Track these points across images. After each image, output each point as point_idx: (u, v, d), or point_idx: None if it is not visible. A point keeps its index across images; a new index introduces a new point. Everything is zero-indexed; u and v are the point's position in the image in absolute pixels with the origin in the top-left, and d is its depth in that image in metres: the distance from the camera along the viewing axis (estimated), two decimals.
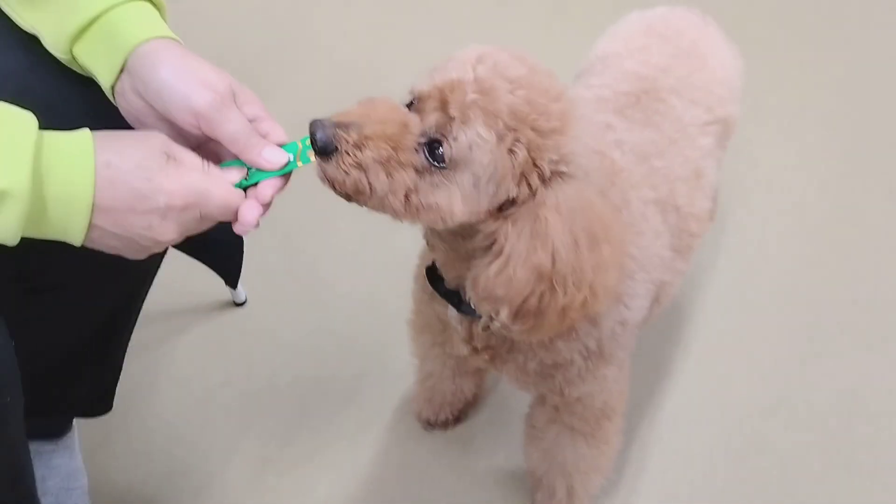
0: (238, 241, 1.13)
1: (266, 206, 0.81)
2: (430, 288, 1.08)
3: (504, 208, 0.83)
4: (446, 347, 1.25)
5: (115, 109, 0.83)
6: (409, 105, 0.84)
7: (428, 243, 0.99)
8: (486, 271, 0.84)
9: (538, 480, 1.35)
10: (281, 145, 0.81)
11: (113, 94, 0.82)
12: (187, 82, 0.77)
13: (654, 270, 1.05)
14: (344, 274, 1.74)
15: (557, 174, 0.81)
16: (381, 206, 0.82)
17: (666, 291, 1.13)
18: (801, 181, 2.03)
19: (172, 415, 1.49)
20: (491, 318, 0.88)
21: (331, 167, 0.79)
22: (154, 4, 0.83)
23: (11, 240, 0.69)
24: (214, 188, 0.77)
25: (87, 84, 0.84)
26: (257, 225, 0.81)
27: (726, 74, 1.26)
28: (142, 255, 0.78)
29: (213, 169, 0.79)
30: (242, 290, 1.63)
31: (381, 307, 1.68)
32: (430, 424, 1.48)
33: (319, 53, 2.32)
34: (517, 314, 0.85)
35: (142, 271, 1.07)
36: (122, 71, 0.79)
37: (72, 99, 0.84)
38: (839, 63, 2.37)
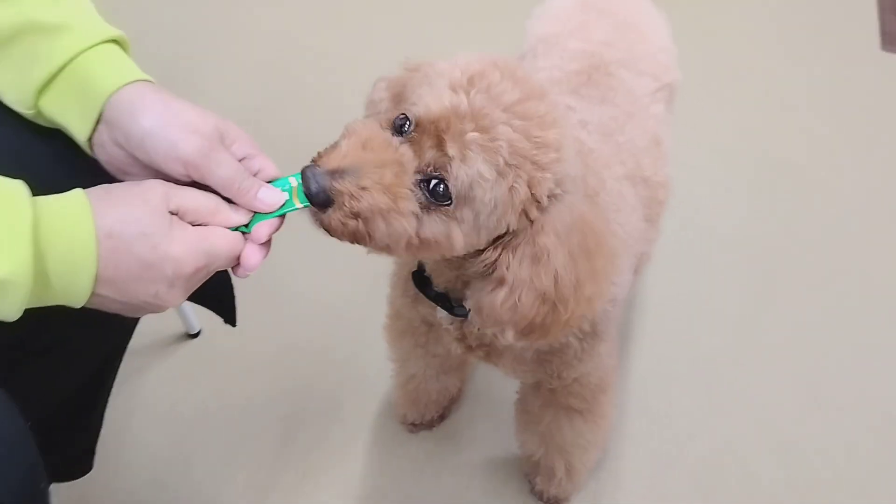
0: (226, 276, 1.08)
1: (266, 247, 0.78)
2: (413, 291, 1.07)
3: (500, 237, 0.82)
4: (430, 348, 1.25)
5: (89, 159, 0.78)
6: (400, 126, 0.80)
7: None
8: (490, 298, 0.83)
9: (535, 464, 1.36)
10: (272, 181, 0.78)
11: (90, 147, 0.77)
12: (171, 129, 0.73)
13: (636, 244, 1.07)
14: (301, 287, 1.70)
15: (553, 197, 0.81)
16: (380, 250, 0.80)
17: (643, 261, 1.15)
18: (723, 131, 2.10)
19: (151, 459, 1.43)
20: (495, 336, 0.89)
21: (328, 217, 0.76)
22: (118, 43, 0.78)
23: (13, 318, 0.65)
24: (221, 242, 0.73)
25: (52, 135, 0.79)
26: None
27: (663, 42, 1.28)
28: (142, 314, 0.75)
29: (221, 205, 0.75)
30: (195, 319, 1.58)
31: (346, 315, 1.65)
32: (415, 426, 1.47)
33: (244, 50, 2.26)
34: (522, 333, 0.85)
35: (126, 326, 1.02)
36: (97, 122, 0.75)
37: (41, 152, 0.79)
38: (750, 17, 2.46)
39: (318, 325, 1.64)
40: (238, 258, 0.76)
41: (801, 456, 1.51)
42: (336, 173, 0.74)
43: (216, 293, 1.09)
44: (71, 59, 0.74)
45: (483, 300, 0.84)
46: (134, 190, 0.70)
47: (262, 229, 0.77)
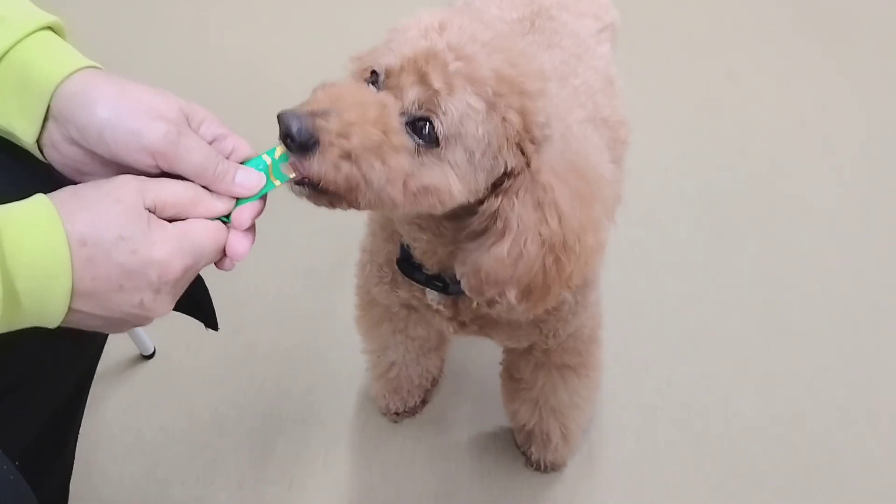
0: (198, 277, 1.00)
1: (251, 232, 0.71)
2: (390, 276, 1.03)
3: (499, 183, 0.77)
4: (410, 332, 1.20)
5: (40, 165, 0.70)
6: (372, 84, 0.75)
7: (407, 235, 0.92)
8: (492, 253, 0.78)
9: (528, 433, 1.32)
10: (245, 162, 0.71)
11: (40, 149, 0.68)
12: (132, 117, 0.64)
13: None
14: (255, 288, 1.62)
15: (544, 137, 0.76)
16: (377, 199, 0.72)
17: (616, 204, 1.11)
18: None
19: (126, 493, 1.33)
20: (492, 302, 0.83)
21: (315, 163, 0.68)
22: (53, 29, 0.69)
23: None
24: (205, 236, 0.66)
25: None
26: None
27: None
28: (125, 329, 0.68)
29: (199, 192, 0.67)
30: (148, 339, 1.49)
31: (305, 314, 1.59)
32: (398, 415, 1.42)
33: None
34: (524, 293, 0.80)
35: (97, 344, 0.94)
36: (46, 119, 0.66)
37: None
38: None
39: (277, 327, 1.57)
40: (223, 250, 0.69)
41: (778, 385, 1.51)
42: (318, 113, 0.68)
43: (193, 296, 1.01)
44: (4, 53, 0.65)
45: (482, 259, 0.79)
46: (104, 188, 0.62)
47: (243, 214, 0.69)
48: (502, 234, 0.77)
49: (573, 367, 1.15)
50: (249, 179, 0.69)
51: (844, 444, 1.42)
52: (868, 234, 1.76)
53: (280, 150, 0.71)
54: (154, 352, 1.50)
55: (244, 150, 0.71)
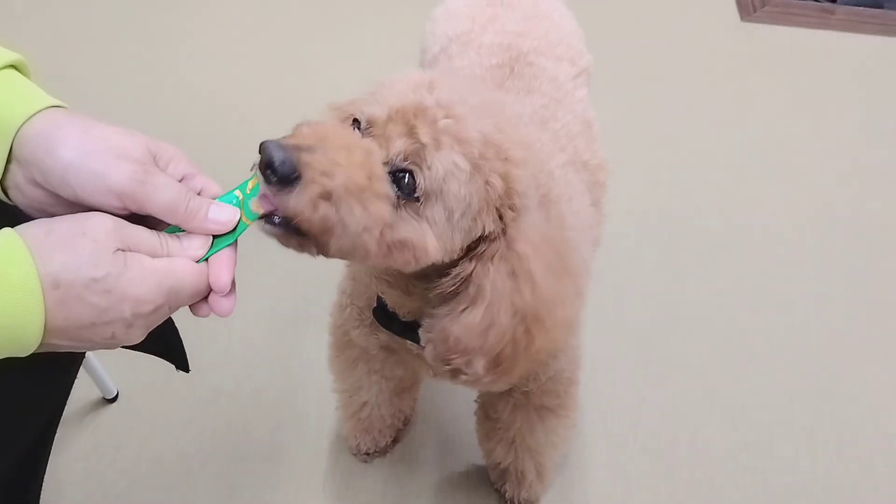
0: (167, 322, 0.97)
1: (231, 286, 0.68)
2: (370, 320, 1.02)
3: (474, 247, 0.76)
4: (386, 372, 1.20)
5: (4, 204, 0.67)
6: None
7: (376, 288, 0.91)
8: (462, 320, 0.76)
9: (503, 471, 1.32)
10: (216, 199, 0.68)
11: (4, 191, 0.66)
12: (96, 158, 0.62)
13: (590, 230, 1.05)
14: (217, 330, 1.59)
15: (523, 207, 0.76)
16: (350, 246, 0.70)
17: (595, 246, 1.13)
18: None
19: None
20: (457, 373, 0.80)
21: (293, 199, 0.65)
22: (16, 67, 0.67)
23: None
24: (186, 277, 0.64)
25: None
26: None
27: (571, 26, 1.27)
28: (98, 349, 0.66)
29: (172, 243, 0.65)
30: (110, 382, 1.45)
31: (272, 354, 1.56)
32: (369, 455, 1.40)
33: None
34: (493, 363, 0.78)
35: (67, 381, 0.91)
36: (9, 161, 0.64)
37: None
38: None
39: (243, 368, 1.54)
40: (204, 294, 0.67)
41: (745, 413, 1.54)
42: (302, 148, 0.66)
43: (164, 339, 0.99)
44: None
45: (452, 326, 0.76)
46: (80, 227, 0.60)
47: (222, 277, 0.67)
48: (474, 301, 0.75)
49: (551, 408, 1.16)
50: (223, 215, 0.66)
51: (812, 470, 1.45)
52: (826, 260, 1.82)
53: (252, 184, 0.68)
54: (117, 395, 1.46)
55: (213, 189, 0.69)
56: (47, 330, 0.58)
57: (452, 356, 0.78)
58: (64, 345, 0.61)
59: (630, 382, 1.57)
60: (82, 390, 1.44)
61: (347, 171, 0.66)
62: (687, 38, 2.38)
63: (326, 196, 0.66)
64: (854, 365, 1.62)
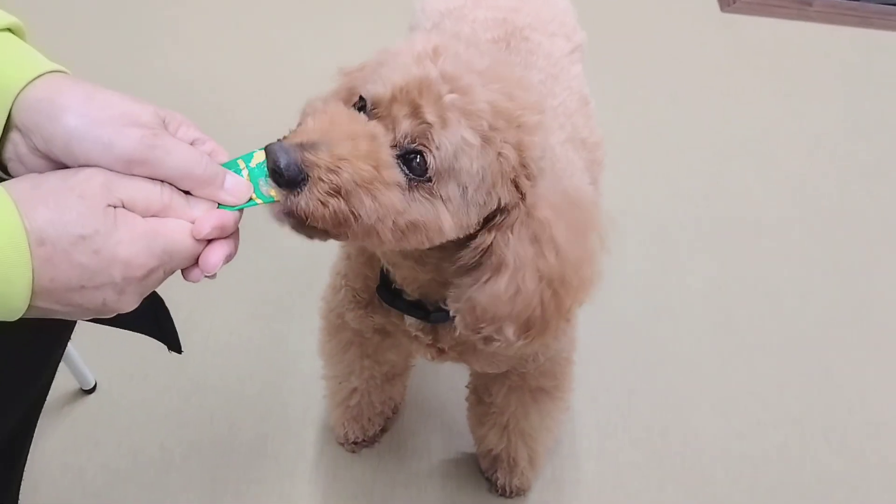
0: (156, 297, 0.92)
1: (233, 239, 0.65)
2: (365, 301, 1.00)
3: (491, 217, 0.75)
4: (379, 357, 1.17)
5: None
6: (360, 110, 0.72)
7: (387, 260, 0.89)
8: (488, 290, 0.75)
9: (494, 459, 1.30)
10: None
11: (2, 166, 0.62)
12: (103, 125, 0.59)
13: None
14: (198, 317, 1.54)
15: (540, 171, 0.74)
16: (366, 235, 0.69)
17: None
18: None
19: None
20: (489, 340, 0.80)
21: (303, 199, 0.65)
22: (12, 31, 0.63)
23: None
24: (178, 238, 0.61)
25: None
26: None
27: (564, 2, 1.25)
28: (91, 317, 0.62)
29: (175, 196, 0.62)
30: (88, 372, 1.40)
31: (256, 344, 1.52)
32: (357, 444, 1.37)
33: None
34: (522, 329, 0.77)
35: (44, 381, 0.86)
36: (7, 131, 0.60)
37: None
38: None
39: (226, 357, 1.50)
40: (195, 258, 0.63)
41: (735, 403, 1.53)
42: (307, 146, 0.64)
43: (154, 318, 0.94)
44: None
45: (478, 295, 0.76)
46: (69, 182, 0.57)
47: (215, 254, 0.63)
48: (498, 270, 0.75)
49: (547, 389, 1.14)
50: (238, 187, 0.64)
51: (802, 458, 1.45)
52: (812, 251, 1.81)
53: (258, 157, 0.67)
54: (95, 385, 1.41)
55: (221, 156, 0.67)
56: (34, 290, 0.55)
57: (481, 325, 0.78)
58: (54, 310, 0.58)
59: (620, 373, 1.55)
60: (58, 380, 1.34)
61: (353, 164, 0.66)
62: (666, 28, 2.37)
63: (335, 192, 0.65)
64: (842, 355, 1.62)
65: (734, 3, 2.42)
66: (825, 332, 1.66)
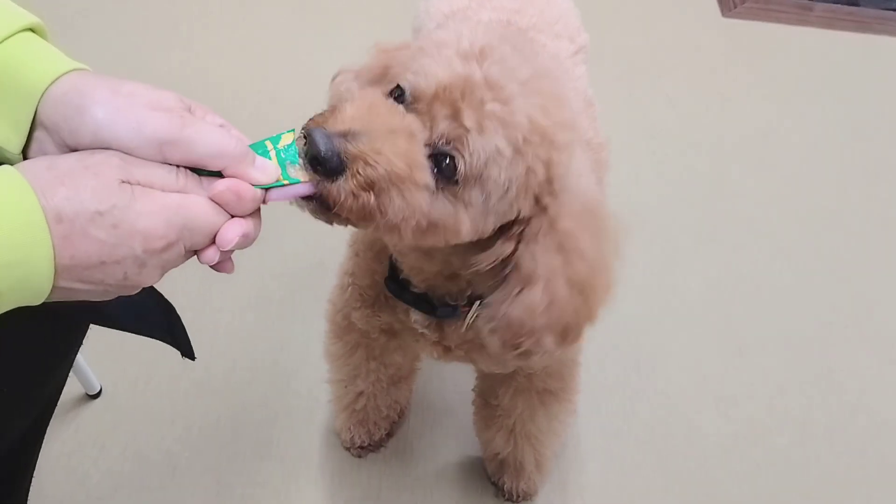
0: (166, 304, 0.92)
1: (255, 218, 0.65)
2: (372, 299, 1.00)
3: (508, 226, 0.75)
4: (385, 359, 1.17)
5: None
6: (396, 98, 0.71)
7: (395, 250, 0.89)
8: (522, 303, 0.75)
9: (500, 463, 1.29)
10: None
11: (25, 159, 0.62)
12: (131, 112, 0.59)
13: None
14: (203, 321, 1.54)
15: (563, 188, 0.75)
16: (388, 231, 0.70)
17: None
18: None
19: None
20: (527, 354, 0.80)
21: (335, 188, 0.65)
22: (34, 31, 0.63)
23: None
24: (199, 213, 0.60)
25: None
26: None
27: (567, 4, 1.26)
28: (117, 295, 0.62)
29: (189, 181, 0.62)
30: (94, 377, 1.39)
31: (260, 347, 1.52)
32: (362, 449, 1.37)
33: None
34: (561, 337, 0.78)
35: (58, 380, 0.86)
36: (32, 129, 0.60)
37: None
38: None
39: (230, 361, 1.49)
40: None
41: (737, 404, 1.53)
42: (347, 135, 0.64)
43: (167, 325, 0.94)
44: None
45: (513, 310, 0.76)
46: (85, 161, 0.57)
47: (232, 229, 0.63)
48: (528, 281, 0.75)
49: (554, 391, 1.13)
50: (268, 167, 0.64)
51: (804, 459, 1.45)
52: (812, 252, 1.82)
53: (286, 139, 0.67)
54: (100, 390, 1.40)
55: (245, 142, 0.66)
56: (56, 269, 0.55)
57: (521, 339, 0.77)
58: (76, 289, 0.58)
59: (622, 375, 1.55)
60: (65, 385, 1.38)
61: (390, 160, 0.65)
62: (668, 33, 2.38)
63: (368, 187, 0.65)
64: (843, 355, 1.62)
65: (735, 8, 2.43)
66: (826, 333, 1.66)
